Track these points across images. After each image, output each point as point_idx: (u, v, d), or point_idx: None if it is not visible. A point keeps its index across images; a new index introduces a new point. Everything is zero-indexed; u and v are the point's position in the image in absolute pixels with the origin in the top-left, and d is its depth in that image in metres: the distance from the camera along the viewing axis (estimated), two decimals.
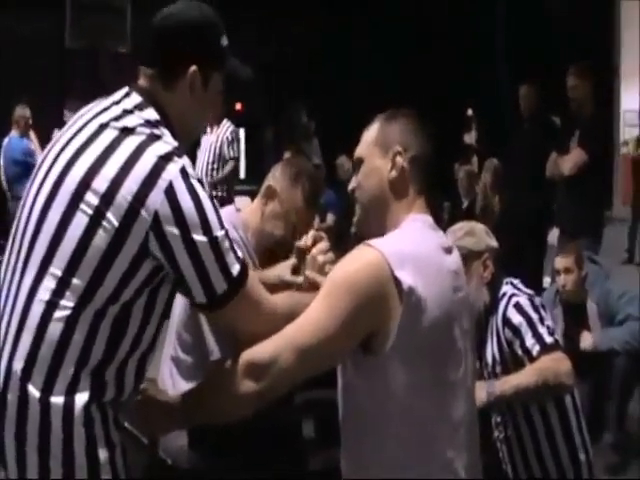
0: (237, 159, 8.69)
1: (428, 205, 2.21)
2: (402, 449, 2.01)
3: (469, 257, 3.17)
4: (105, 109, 2.01)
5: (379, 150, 2.19)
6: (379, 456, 2.03)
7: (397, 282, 1.96)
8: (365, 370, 2.03)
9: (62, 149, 1.99)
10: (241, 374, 1.99)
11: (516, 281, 3.30)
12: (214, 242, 1.91)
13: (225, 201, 8.38)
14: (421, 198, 2.19)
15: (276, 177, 3.00)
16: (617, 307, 4.89)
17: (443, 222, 9.94)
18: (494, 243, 3.28)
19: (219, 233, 1.92)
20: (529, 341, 3.06)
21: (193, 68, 2.02)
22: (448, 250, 2.18)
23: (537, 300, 3.20)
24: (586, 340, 4.88)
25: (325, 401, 2.31)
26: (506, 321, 3.14)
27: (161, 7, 2.07)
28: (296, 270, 2.39)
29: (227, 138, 8.50)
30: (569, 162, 6.27)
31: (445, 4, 14.31)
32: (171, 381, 2.84)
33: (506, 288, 3.25)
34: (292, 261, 2.41)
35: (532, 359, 3.02)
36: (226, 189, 8.65)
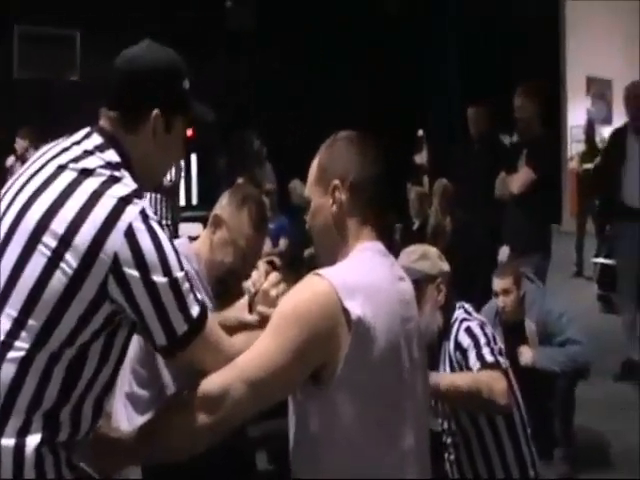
0: (175, 184, 8.66)
1: (378, 230, 2.22)
2: (349, 475, 2.02)
3: (424, 281, 3.23)
4: (64, 149, 2.00)
5: (320, 188, 2.22)
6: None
7: (346, 312, 1.97)
8: (314, 400, 2.03)
9: (20, 189, 1.97)
10: (193, 408, 1.99)
11: (467, 305, 3.35)
12: (174, 283, 1.91)
13: (169, 230, 8.39)
14: (368, 225, 2.20)
15: (222, 205, 3.03)
16: (556, 328, 4.94)
17: (395, 243, 10.01)
18: (447, 267, 3.33)
19: (179, 274, 1.92)
20: (472, 360, 3.11)
21: (156, 112, 2.02)
22: (400, 278, 2.21)
23: (488, 327, 3.25)
24: (525, 355, 4.90)
25: (278, 433, 2.32)
26: (457, 345, 3.19)
27: (110, 35, 2.08)
28: (251, 308, 2.40)
29: None
30: (517, 181, 6.37)
31: (396, 22, 14.41)
32: (125, 416, 2.84)
33: (458, 313, 3.29)
34: (245, 300, 2.42)
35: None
36: (170, 217, 8.64)
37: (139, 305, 1.89)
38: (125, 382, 2.87)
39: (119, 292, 1.88)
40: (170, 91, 2.06)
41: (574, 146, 14.98)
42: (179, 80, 2.08)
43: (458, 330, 3.23)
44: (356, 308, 1.98)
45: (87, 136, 2.03)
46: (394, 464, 2.06)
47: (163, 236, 1.93)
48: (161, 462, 2.34)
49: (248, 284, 2.24)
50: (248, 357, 2.01)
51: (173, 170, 8.56)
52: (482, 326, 3.23)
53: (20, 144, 9.63)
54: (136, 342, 2.69)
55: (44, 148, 2.07)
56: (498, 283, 5.06)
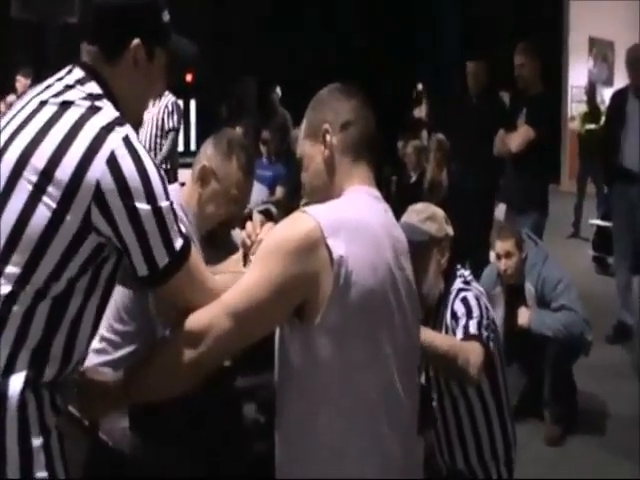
0: (176, 130, 8.61)
1: (371, 173, 2.22)
2: (330, 416, 2.02)
3: (430, 243, 3.19)
4: (47, 86, 1.99)
5: (310, 140, 2.23)
6: (307, 420, 2.04)
7: (329, 250, 1.96)
8: (299, 336, 2.03)
9: (4, 128, 1.96)
10: (177, 344, 1.99)
11: (467, 274, 3.31)
12: (158, 212, 1.88)
13: (169, 174, 8.34)
14: (360, 166, 2.20)
15: (208, 156, 2.94)
16: (552, 295, 4.95)
17: (391, 196, 10.00)
18: (451, 231, 3.29)
19: (163, 204, 1.90)
20: (459, 329, 3.09)
21: (136, 41, 2.00)
22: (394, 226, 2.19)
23: (483, 298, 3.22)
24: (523, 316, 4.96)
25: (267, 384, 2.31)
26: (453, 314, 3.17)
27: None
28: (246, 261, 2.37)
29: (167, 109, 8.42)
30: (517, 139, 6.37)
31: None
32: (110, 350, 2.81)
33: (457, 282, 3.26)
34: (240, 253, 2.38)
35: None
36: (170, 162, 8.59)
37: (122, 234, 1.86)
38: (113, 315, 2.82)
39: (103, 221, 1.85)
40: (149, 21, 2.04)
41: (574, 106, 14.92)
42: (158, 11, 2.06)
43: (455, 298, 3.20)
44: (339, 247, 1.97)
45: (69, 72, 2.01)
46: (379, 409, 2.05)
47: (149, 163, 1.90)
48: (148, 408, 2.35)
49: (243, 235, 2.20)
50: (232, 291, 2.00)
51: (176, 117, 8.50)
52: (478, 297, 3.19)
53: (22, 82, 9.51)
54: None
55: (30, 90, 2.06)
56: (500, 245, 5.06)
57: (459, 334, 3.07)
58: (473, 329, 3.06)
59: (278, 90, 12.41)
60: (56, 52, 11.35)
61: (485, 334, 3.06)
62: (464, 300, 3.16)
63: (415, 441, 2.21)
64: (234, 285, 2.03)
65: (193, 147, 14.81)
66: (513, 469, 3.31)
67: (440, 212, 3.32)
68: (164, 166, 8.34)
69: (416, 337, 2.23)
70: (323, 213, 2.03)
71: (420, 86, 14.44)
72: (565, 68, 15.87)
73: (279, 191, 9.15)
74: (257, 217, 2.25)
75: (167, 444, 2.42)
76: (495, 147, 6.60)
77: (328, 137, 2.19)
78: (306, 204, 2.21)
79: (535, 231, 5.92)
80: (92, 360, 2.69)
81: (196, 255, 2.02)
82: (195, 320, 1.99)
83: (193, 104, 15.25)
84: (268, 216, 2.95)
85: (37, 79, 8.73)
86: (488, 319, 3.14)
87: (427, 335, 2.89)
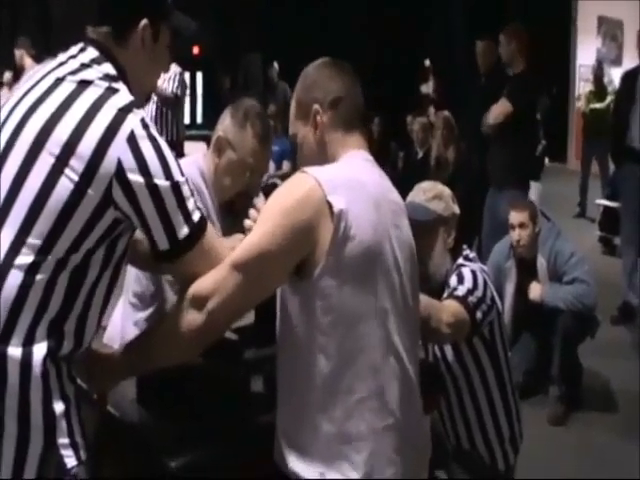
0: (178, 98, 8.58)
1: (364, 140, 2.27)
2: (330, 370, 2.04)
3: (437, 222, 3.17)
4: (61, 63, 2.03)
5: (301, 121, 2.28)
6: (308, 376, 2.06)
7: (329, 205, 2.01)
8: (298, 294, 2.07)
9: (17, 103, 1.99)
10: (185, 308, 2.02)
11: (471, 253, 3.28)
12: (176, 187, 1.95)
13: (175, 147, 8.32)
14: (353, 136, 2.26)
15: (225, 126, 2.95)
16: (565, 268, 4.97)
17: (397, 171, 9.99)
18: (458, 210, 3.27)
19: (180, 178, 1.97)
20: (447, 290, 3.05)
21: (144, 22, 2.06)
22: (390, 189, 2.24)
23: (482, 274, 3.15)
24: (535, 291, 5.00)
25: (274, 357, 2.32)
26: (448, 286, 3.12)
27: None
28: None
29: (170, 78, 8.41)
30: (494, 111, 6.41)
31: None
32: (134, 316, 2.84)
33: (460, 260, 3.23)
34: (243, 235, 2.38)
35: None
36: (176, 135, 8.57)
37: (142, 209, 1.93)
38: (132, 279, 2.86)
39: (123, 197, 1.90)
40: (155, 1, 2.12)
41: (582, 85, 14.86)
42: None
43: (452, 273, 3.17)
44: (339, 202, 2.02)
45: (82, 50, 2.06)
46: (377, 362, 2.08)
47: (163, 143, 1.97)
48: (155, 380, 2.39)
49: (248, 223, 2.20)
50: (236, 251, 2.05)
51: (176, 84, 8.48)
52: (474, 271, 3.13)
53: (17, 54, 9.46)
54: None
55: (39, 66, 2.10)
56: (515, 216, 5.10)
57: (444, 296, 3.03)
58: (460, 292, 3.00)
59: (276, 65, 12.37)
60: (59, 21, 11.34)
61: (472, 300, 2.99)
62: (458, 274, 3.12)
63: (416, 396, 2.22)
64: (239, 245, 2.07)
65: (199, 120, 14.80)
66: (519, 446, 3.31)
67: (447, 191, 3.30)
68: (170, 138, 8.33)
69: (415, 300, 2.25)
70: (322, 172, 2.09)
71: (427, 62, 14.38)
72: (573, 47, 15.81)
73: (285, 165, 9.15)
74: (260, 201, 2.26)
75: (175, 416, 2.43)
76: (482, 123, 6.63)
77: (319, 117, 2.24)
78: None
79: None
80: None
81: (211, 229, 2.07)
82: (200, 282, 2.02)
83: (200, 77, 15.21)
84: (275, 189, 2.94)
85: (42, 48, 8.75)
86: (483, 293, 3.06)
87: None
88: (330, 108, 2.24)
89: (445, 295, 3.03)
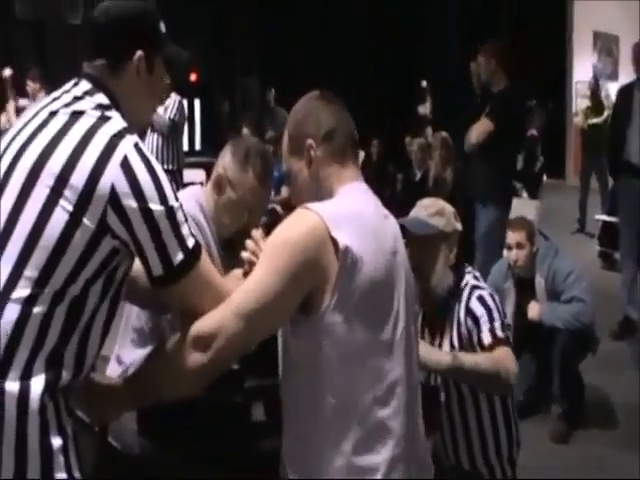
0: (177, 125, 8.57)
1: (357, 171, 2.27)
2: (337, 405, 2.05)
3: (438, 238, 3.19)
4: (55, 98, 2.06)
5: (296, 156, 2.27)
6: (314, 412, 2.07)
7: (334, 242, 2.01)
8: (303, 330, 2.06)
9: (12, 139, 2.01)
10: (188, 347, 2.01)
11: (476, 272, 3.34)
12: (170, 211, 1.95)
13: (175, 175, 8.34)
14: (348, 167, 2.24)
15: (225, 163, 2.93)
16: (563, 286, 4.97)
17: (396, 193, 10.01)
18: (460, 226, 3.30)
19: (175, 204, 1.97)
20: (485, 333, 3.09)
21: (139, 53, 2.08)
22: (385, 216, 2.24)
23: (496, 297, 3.24)
24: (533, 310, 5.01)
25: (275, 386, 2.33)
26: (469, 311, 3.16)
27: None
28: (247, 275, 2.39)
29: (169, 105, 8.42)
30: (475, 131, 6.40)
31: None
32: (134, 351, 2.80)
33: (468, 277, 3.25)
34: (240, 270, 2.39)
35: (483, 349, 3.07)
36: (177, 163, 8.58)
37: (137, 235, 1.92)
38: (133, 317, 2.83)
39: (118, 223, 1.91)
40: (149, 32, 2.13)
41: (579, 101, 14.90)
42: (156, 22, 2.16)
43: (470, 296, 3.19)
44: (344, 238, 2.02)
45: (75, 84, 2.08)
46: (381, 394, 2.08)
47: (157, 166, 1.97)
48: (156, 412, 2.37)
49: (245, 255, 2.21)
50: (240, 290, 2.05)
51: (175, 111, 8.49)
52: (493, 297, 3.21)
53: (31, 86, 9.47)
54: None
55: (36, 103, 2.14)
56: (512, 236, 5.11)
57: (486, 338, 3.07)
58: (500, 332, 3.08)
59: (273, 90, 12.41)
60: (59, 53, 11.40)
61: (509, 334, 3.11)
62: (481, 299, 3.16)
63: (419, 426, 2.24)
64: (242, 284, 2.06)
65: (198, 147, 14.81)
66: (516, 466, 3.32)
67: (449, 207, 3.33)
68: (170, 166, 8.35)
69: (415, 320, 2.28)
70: (325, 208, 2.08)
71: (424, 83, 14.43)
72: (570, 63, 15.85)
73: (284, 191, 9.17)
74: (258, 234, 2.26)
75: (175, 446, 2.44)
76: (465, 142, 6.62)
77: (313, 152, 2.23)
78: None
79: (494, 225, 6.00)
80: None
81: (206, 257, 2.06)
82: (204, 322, 2.02)
83: (197, 104, 15.24)
84: (274, 215, 2.95)
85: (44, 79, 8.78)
86: (505, 317, 3.18)
87: (468, 359, 2.93)
88: (324, 142, 2.23)
89: (488, 337, 3.07)
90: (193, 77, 14.17)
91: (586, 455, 4.69)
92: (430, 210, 3.25)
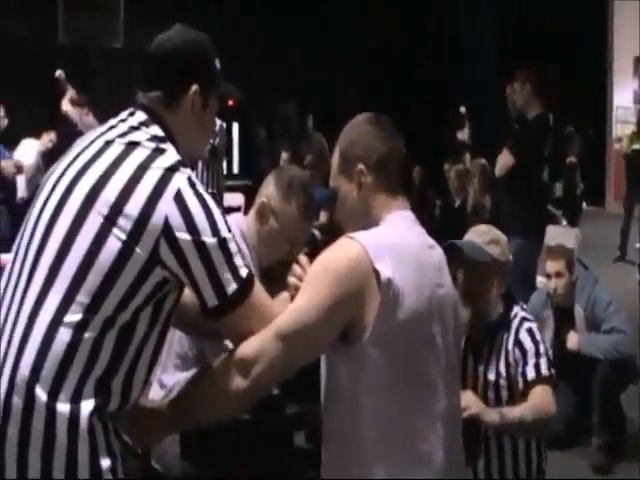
0: (215, 147, 8.59)
1: (406, 200, 2.26)
2: (376, 436, 2.05)
3: (492, 266, 3.22)
4: (111, 127, 2.09)
5: (345, 177, 2.27)
6: (353, 441, 2.07)
7: (376, 273, 2.01)
8: (344, 358, 2.07)
9: (68, 166, 2.04)
10: (229, 370, 2.02)
11: (524, 305, 3.37)
12: (223, 243, 1.97)
13: (215, 199, 8.35)
14: (397, 197, 2.25)
15: (269, 192, 2.96)
16: (603, 317, 4.93)
17: (435, 219, 9.99)
18: (511, 257, 3.33)
19: (227, 235, 1.99)
20: (530, 367, 3.13)
21: (195, 88, 2.10)
22: (431, 246, 2.23)
23: (542, 332, 3.30)
24: (572, 340, 4.95)
25: (316, 411, 2.33)
26: (517, 342, 3.19)
27: (153, 3, 2.14)
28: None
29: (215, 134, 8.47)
30: (498, 163, 6.41)
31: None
32: (176, 378, 2.83)
33: (517, 309, 3.29)
34: (287, 294, 2.40)
35: (526, 384, 3.11)
36: (216, 186, 8.62)
37: (190, 267, 1.94)
38: (176, 342, 2.85)
39: (171, 255, 1.93)
40: (205, 69, 2.15)
41: (619, 126, 14.82)
42: (212, 59, 2.17)
43: (519, 327, 3.22)
44: (386, 270, 2.02)
45: (131, 114, 2.11)
46: (423, 428, 2.08)
47: (210, 200, 2.00)
48: (199, 435, 2.38)
49: (292, 280, 2.22)
50: (282, 316, 2.05)
51: (218, 139, 8.52)
52: (541, 330, 3.27)
53: (76, 111, 9.53)
54: None
55: (91, 131, 2.16)
56: (551, 265, 5.07)
57: (530, 373, 3.11)
58: (545, 370, 3.11)
59: (311, 115, 12.45)
60: (101, 77, 11.53)
61: (553, 372, 3.14)
62: (530, 332, 3.20)
63: (461, 458, 2.24)
64: (286, 310, 2.07)
65: (235, 170, 14.88)
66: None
67: (503, 237, 3.36)
68: (210, 190, 8.39)
69: (457, 352, 2.27)
70: (368, 238, 2.08)
71: (463, 109, 14.42)
72: (610, 89, 15.79)
73: (323, 215, 9.16)
74: (303, 259, 2.27)
75: (218, 471, 2.44)
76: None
77: (363, 178, 2.23)
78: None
79: (519, 258, 5.93)
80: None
81: (259, 285, 2.08)
82: (246, 347, 2.03)
83: (236, 127, 15.32)
84: (312, 241, 2.96)
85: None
86: (550, 352, 3.21)
87: (514, 414, 2.98)
88: (374, 170, 2.22)
89: (532, 372, 3.12)
90: (231, 101, 14.24)
91: None
92: (486, 237, 3.28)
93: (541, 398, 3.04)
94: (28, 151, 9.59)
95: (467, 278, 3.22)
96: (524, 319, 3.24)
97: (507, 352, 3.18)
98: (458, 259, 3.14)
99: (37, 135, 9.62)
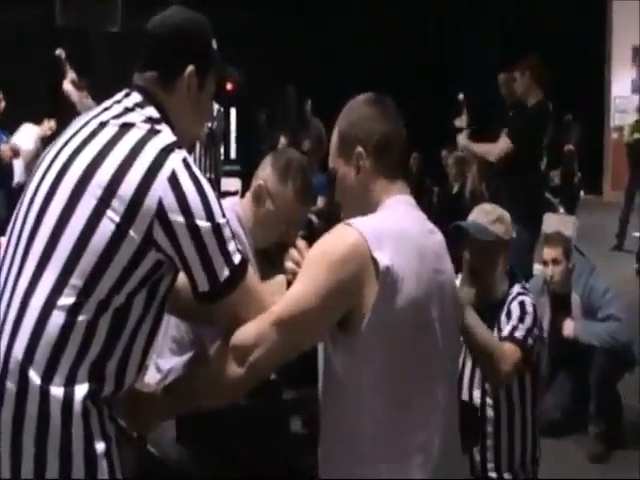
0: (213, 131, 8.54)
1: (405, 184, 2.24)
2: (373, 423, 2.04)
3: (497, 244, 3.27)
4: (106, 108, 2.06)
5: (343, 159, 2.24)
6: (350, 428, 2.06)
7: (374, 261, 2.00)
8: (342, 347, 2.06)
9: (62, 148, 2.02)
10: (226, 357, 2.02)
11: (526, 284, 3.40)
12: (217, 228, 1.95)
13: (213, 184, 8.33)
14: (396, 181, 2.22)
15: (266, 174, 2.94)
16: (599, 304, 4.93)
17: (433, 206, 9.99)
18: (515, 234, 3.37)
19: (221, 220, 1.96)
20: (508, 326, 3.16)
21: (190, 68, 2.08)
22: (431, 231, 2.22)
23: (537, 309, 3.29)
24: (568, 327, 4.95)
25: (313, 397, 2.33)
26: (508, 311, 3.24)
27: None
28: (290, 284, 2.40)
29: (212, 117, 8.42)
30: (495, 149, 6.38)
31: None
32: (172, 361, 2.82)
33: (517, 287, 3.33)
34: (283, 277, 2.37)
35: (500, 338, 3.13)
36: (214, 172, 8.59)
37: (183, 250, 1.92)
38: (172, 326, 2.83)
39: (164, 237, 1.91)
40: (202, 49, 2.13)
41: (617, 116, 14.81)
42: (209, 39, 2.15)
43: (513, 300, 3.27)
44: (384, 257, 2.00)
45: (127, 95, 2.09)
46: (421, 415, 2.07)
47: (205, 183, 1.97)
48: (195, 420, 2.39)
49: (289, 265, 2.21)
50: (279, 303, 2.04)
51: (216, 123, 8.48)
52: (534, 307, 3.26)
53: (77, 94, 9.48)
54: None
55: (86, 113, 2.14)
56: (548, 252, 5.08)
57: (504, 332, 3.14)
58: (519, 333, 3.12)
59: (309, 100, 12.43)
60: (100, 60, 11.51)
61: (530, 343, 3.12)
62: (522, 304, 3.24)
63: (457, 445, 2.23)
64: (279, 293, 2.07)
65: (233, 155, 14.88)
66: (538, 466, 3.36)
67: (507, 215, 3.40)
68: (208, 175, 8.36)
69: (457, 340, 2.28)
70: (367, 225, 2.06)
71: (461, 96, 14.38)
72: (608, 78, 15.78)
73: (320, 201, 9.15)
74: (301, 243, 2.25)
75: (214, 455, 2.44)
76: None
77: (361, 162, 2.20)
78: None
79: (516, 245, 5.93)
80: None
81: (252, 272, 2.07)
82: (242, 334, 2.01)
83: (233, 112, 15.31)
84: (310, 226, 2.95)
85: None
86: (539, 330, 3.21)
87: (472, 319, 2.96)
88: (374, 154, 2.20)
89: (507, 330, 3.13)
90: (229, 86, 14.21)
91: (623, 476, 4.63)
92: (491, 217, 3.31)
93: (506, 346, 3.05)
94: (27, 136, 9.60)
95: (473, 258, 3.26)
96: (519, 293, 3.29)
97: (499, 323, 3.23)
98: (465, 240, 3.20)
99: (37, 121, 9.60)
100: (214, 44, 2.16)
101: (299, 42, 14.17)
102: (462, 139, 6.80)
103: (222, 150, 11.54)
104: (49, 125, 9.35)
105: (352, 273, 2.00)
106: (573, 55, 14.19)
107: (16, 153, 9.31)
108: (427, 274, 2.09)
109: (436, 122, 13.42)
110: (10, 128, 9.53)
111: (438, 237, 2.23)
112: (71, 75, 9.25)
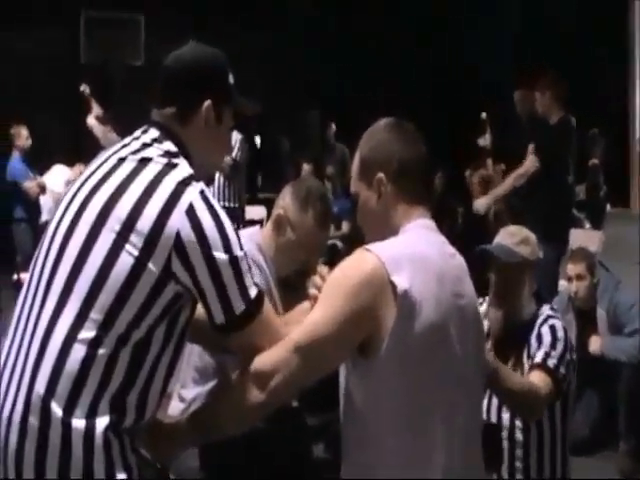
0: (236, 162, 8.57)
1: (427, 209, 2.24)
2: (394, 448, 2.04)
3: (523, 265, 3.25)
4: (124, 145, 2.11)
5: (365, 184, 2.24)
6: (371, 452, 2.06)
7: (392, 286, 2.00)
8: (361, 372, 2.06)
9: (82, 184, 2.07)
10: (247, 384, 2.03)
11: (555, 305, 3.37)
12: (234, 261, 1.97)
13: (237, 213, 8.38)
14: (417, 206, 2.22)
15: (286, 204, 2.98)
16: (626, 319, 4.91)
17: (457, 227, 9.95)
18: (542, 255, 3.35)
19: (239, 253, 1.98)
20: (539, 353, 3.11)
21: (208, 103, 2.11)
22: (451, 255, 2.21)
23: (568, 333, 3.25)
24: (595, 344, 4.94)
25: (336, 422, 2.33)
26: (538, 335, 3.20)
27: (173, 22, 2.16)
28: None
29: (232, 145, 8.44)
30: (523, 169, 6.39)
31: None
32: (196, 391, 2.85)
33: (545, 308, 3.30)
34: (307, 303, 2.37)
35: (531, 365, 3.09)
36: (238, 201, 8.62)
37: (200, 282, 1.94)
38: (195, 355, 2.86)
39: (182, 270, 1.93)
40: (218, 83, 2.16)
41: None
42: (226, 73, 2.18)
43: (543, 323, 3.23)
44: (403, 282, 2.00)
45: (145, 131, 2.13)
46: (442, 438, 2.06)
47: (223, 215, 1.99)
48: (218, 448, 2.39)
49: (312, 291, 2.24)
50: (298, 330, 2.05)
51: (238, 150, 8.53)
52: (566, 330, 3.24)
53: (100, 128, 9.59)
54: None
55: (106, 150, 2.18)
56: (572, 268, 5.08)
57: (537, 359, 3.09)
58: (552, 362, 3.08)
59: (333, 126, 12.48)
60: (122, 94, 11.61)
61: (562, 372, 3.08)
62: (552, 328, 3.20)
63: (481, 468, 2.23)
64: (300, 324, 2.08)
65: (259, 183, 14.89)
66: None
67: (533, 236, 3.38)
68: (232, 204, 8.40)
69: (479, 364, 2.24)
70: (385, 249, 2.06)
71: (484, 115, 14.36)
72: (632, 89, 15.67)
73: (345, 226, 9.18)
74: (324, 269, 2.27)
75: None
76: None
77: (382, 187, 2.21)
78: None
79: (542, 263, 5.89)
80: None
81: (269, 304, 2.08)
82: (263, 360, 2.03)
83: (258, 141, 15.34)
84: (334, 251, 2.97)
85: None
86: (570, 355, 3.16)
87: (504, 372, 2.88)
88: (394, 179, 2.20)
89: (539, 357, 3.09)
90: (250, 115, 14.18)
91: None
92: (516, 238, 3.31)
93: (536, 381, 2.99)
94: (58, 178, 9.70)
95: (499, 280, 3.26)
96: (549, 316, 3.25)
97: (530, 346, 3.19)
98: (490, 263, 3.20)
99: (69, 163, 9.69)
100: (231, 78, 2.19)
101: (322, 67, 14.23)
102: (480, 204, 6.77)
103: (247, 178, 11.61)
104: (80, 169, 9.45)
105: (370, 298, 2.00)
106: (596, 67, 14.14)
107: (42, 189, 9.42)
108: (446, 298, 2.09)
109: (459, 141, 13.44)
110: (34, 163, 9.63)
111: (459, 261, 2.23)
112: (96, 111, 9.36)
